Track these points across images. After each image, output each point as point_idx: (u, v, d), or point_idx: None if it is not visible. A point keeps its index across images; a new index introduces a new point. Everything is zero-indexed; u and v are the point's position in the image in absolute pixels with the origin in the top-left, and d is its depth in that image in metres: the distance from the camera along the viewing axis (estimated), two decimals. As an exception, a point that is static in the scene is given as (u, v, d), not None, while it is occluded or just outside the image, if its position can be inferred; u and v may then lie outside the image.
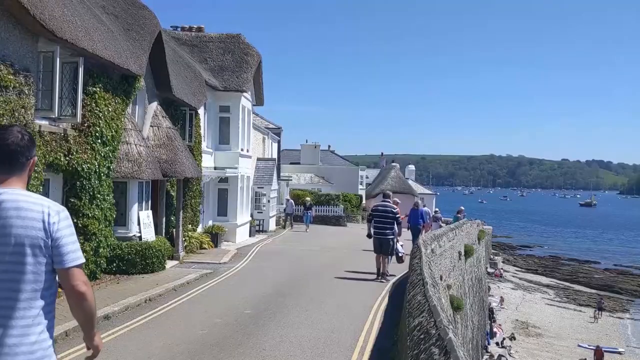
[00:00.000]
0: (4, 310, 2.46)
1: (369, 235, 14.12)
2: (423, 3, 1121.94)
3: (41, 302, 2.53)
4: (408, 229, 20.10)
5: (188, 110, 17.39)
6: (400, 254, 14.49)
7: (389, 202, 14.34)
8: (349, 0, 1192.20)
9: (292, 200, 32.78)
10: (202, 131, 19.13)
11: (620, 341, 27.67)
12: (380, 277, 13.85)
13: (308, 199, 32.90)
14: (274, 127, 34.04)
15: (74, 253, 2.58)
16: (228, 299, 10.99)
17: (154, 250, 13.17)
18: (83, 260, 2.65)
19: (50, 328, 2.58)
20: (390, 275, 14.23)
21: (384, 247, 13.83)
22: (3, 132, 2.62)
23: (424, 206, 24.51)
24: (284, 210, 31.54)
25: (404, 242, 16.39)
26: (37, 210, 2.54)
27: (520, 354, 24.15)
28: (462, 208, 28.42)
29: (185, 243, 16.85)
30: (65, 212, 2.63)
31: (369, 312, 10.25)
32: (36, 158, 2.83)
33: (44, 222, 2.52)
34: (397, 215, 13.98)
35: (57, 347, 7.58)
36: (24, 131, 2.68)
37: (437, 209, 29.93)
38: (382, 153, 72.49)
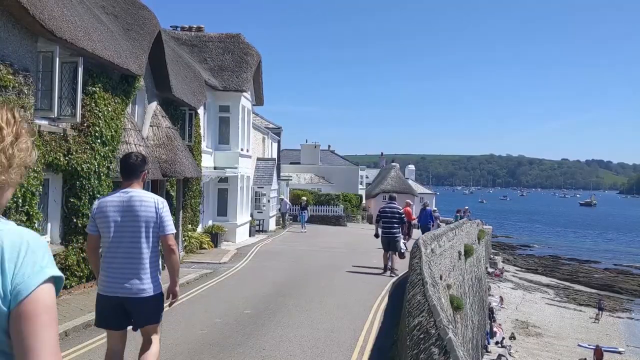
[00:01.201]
0: (137, 258, 4.31)
1: (376, 235, 15.23)
2: (423, 3, 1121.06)
3: (154, 253, 4.40)
4: (418, 228, 20.58)
5: (188, 110, 17.38)
6: (402, 250, 15.29)
7: (395, 203, 15.34)
8: (349, 2, 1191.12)
9: (286, 200, 32.85)
10: (201, 131, 19.11)
11: (620, 341, 27.64)
12: (389, 272, 14.79)
13: (304, 198, 32.85)
14: (274, 127, 34.02)
15: (170, 226, 4.40)
16: (228, 298, 10.98)
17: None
18: (174, 230, 4.48)
19: (157, 266, 4.45)
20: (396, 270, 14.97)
21: (391, 245, 14.84)
22: (128, 156, 4.49)
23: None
24: (279, 209, 31.53)
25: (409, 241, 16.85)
26: (151, 201, 4.37)
27: (520, 353, 24.14)
28: (467, 207, 28.45)
29: (185, 243, 16.85)
30: (166, 202, 4.49)
31: (368, 311, 10.25)
32: (147, 171, 4.75)
33: (156, 208, 4.35)
34: (403, 216, 15.11)
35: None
36: (140, 154, 4.57)
37: (435, 209, 29.98)
38: (382, 153, 72.62)
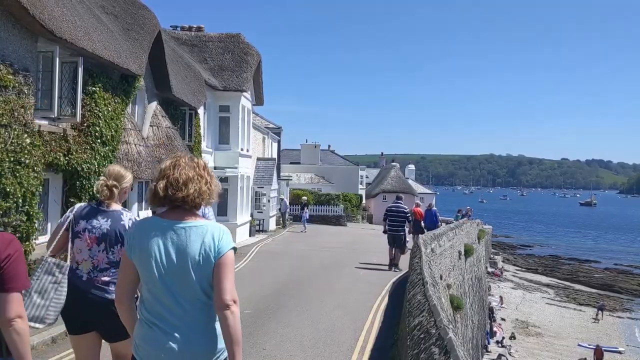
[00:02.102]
0: None
1: (384, 232, 16.38)
2: (425, 6, 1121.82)
3: None
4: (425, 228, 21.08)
5: (188, 110, 17.37)
6: (405, 245, 16.64)
7: (401, 203, 16.63)
8: (350, 6, 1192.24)
9: (285, 200, 32.91)
10: (201, 131, 19.10)
11: (620, 340, 27.63)
12: (393, 268, 15.83)
13: (304, 197, 32.85)
14: (274, 127, 34.00)
15: (212, 220, 5.66)
16: (228, 298, 10.96)
17: (154, 250, 13.14)
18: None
19: None
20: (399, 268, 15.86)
21: (397, 242, 16.03)
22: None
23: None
24: (279, 209, 31.57)
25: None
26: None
27: (521, 353, 24.13)
28: (469, 207, 28.44)
29: (185, 243, 16.84)
30: (212, 210, 5.44)
31: (369, 311, 10.25)
32: None
33: (202, 213, 5.50)
34: (408, 215, 16.38)
35: (56, 347, 7.51)
36: None
37: (434, 208, 30.01)
38: (382, 153, 72.65)
